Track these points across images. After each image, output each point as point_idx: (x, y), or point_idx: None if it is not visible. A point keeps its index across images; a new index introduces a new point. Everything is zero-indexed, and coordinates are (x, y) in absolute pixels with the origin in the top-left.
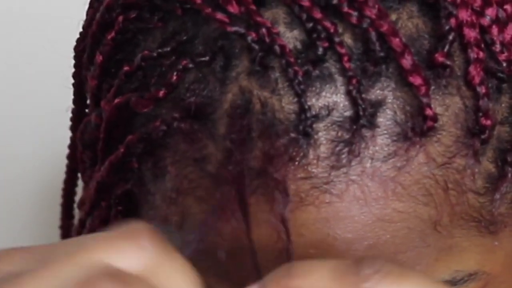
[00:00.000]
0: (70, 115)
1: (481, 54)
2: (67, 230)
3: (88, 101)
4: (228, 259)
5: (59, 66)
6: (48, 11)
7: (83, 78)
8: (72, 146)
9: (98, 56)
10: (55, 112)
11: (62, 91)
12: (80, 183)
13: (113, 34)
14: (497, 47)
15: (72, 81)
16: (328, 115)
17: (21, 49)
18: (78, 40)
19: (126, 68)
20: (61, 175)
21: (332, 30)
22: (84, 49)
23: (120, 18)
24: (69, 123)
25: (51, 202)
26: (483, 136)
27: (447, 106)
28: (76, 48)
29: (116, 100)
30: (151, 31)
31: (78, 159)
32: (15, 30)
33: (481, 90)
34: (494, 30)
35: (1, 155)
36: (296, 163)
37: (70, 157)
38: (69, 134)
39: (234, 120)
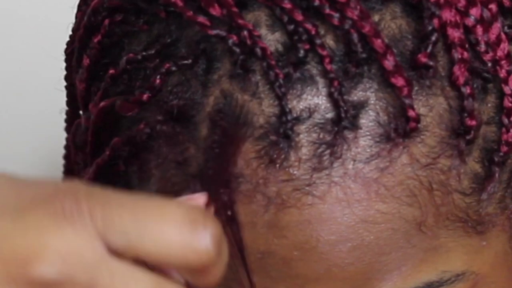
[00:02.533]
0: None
1: (466, 54)
2: None
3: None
4: None
5: (58, 67)
6: (44, 13)
7: (73, 81)
8: (67, 147)
9: (86, 59)
10: (54, 112)
11: (61, 91)
12: None
13: (99, 37)
14: (482, 47)
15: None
16: (310, 117)
17: (20, 50)
18: (68, 43)
19: (111, 71)
20: (60, 175)
21: (313, 32)
22: (73, 52)
23: (106, 21)
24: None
25: None
26: (468, 137)
27: (431, 107)
28: (66, 51)
29: (102, 104)
30: (137, 34)
31: (72, 161)
32: (10, 32)
33: (466, 90)
34: (479, 30)
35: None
36: (277, 165)
37: (66, 157)
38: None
39: (216, 123)
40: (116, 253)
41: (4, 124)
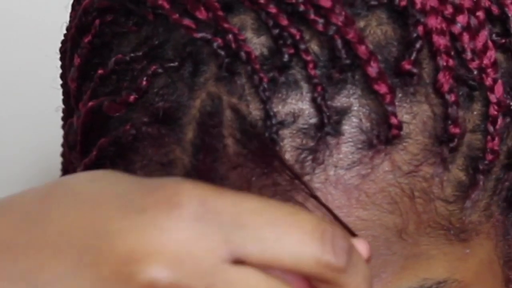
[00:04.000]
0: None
1: (451, 62)
2: None
3: None
4: None
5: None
6: (45, 13)
7: (67, 79)
8: (64, 145)
9: (77, 58)
10: (54, 111)
11: (60, 90)
12: None
13: (90, 37)
14: (468, 55)
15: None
16: (294, 122)
17: (20, 50)
18: (62, 42)
19: (100, 72)
20: (59, 173)
21: (297, 37)
22: (66, 51)
23: (97, 21)
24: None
25: None
26: (451, 144)
27: (414, 114)
28: (60, 50)
29: (90, 104)
30: (126, 35)
31: (66, 159)
32: (10, 32)
33: (450, 98)
34: (465, 37)
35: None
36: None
37: (63, 155)
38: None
39: (203, 126)
40: (240, 259)
41: (3, 124)
